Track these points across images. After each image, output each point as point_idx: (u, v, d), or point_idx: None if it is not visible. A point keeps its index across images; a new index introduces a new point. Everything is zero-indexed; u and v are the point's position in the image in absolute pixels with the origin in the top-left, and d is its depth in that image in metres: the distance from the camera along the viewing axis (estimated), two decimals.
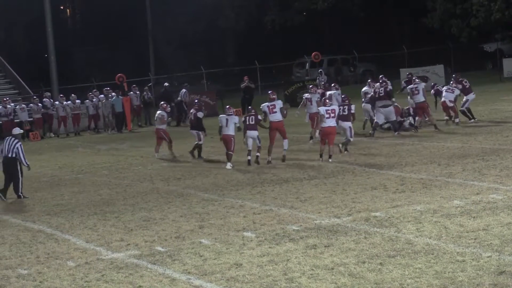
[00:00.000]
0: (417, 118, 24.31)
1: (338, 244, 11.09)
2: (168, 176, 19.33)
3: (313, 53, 40.92)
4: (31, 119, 35.12)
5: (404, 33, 58.29)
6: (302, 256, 10.60)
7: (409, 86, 24.73)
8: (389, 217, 12.47)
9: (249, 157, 19.84)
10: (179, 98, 35.29)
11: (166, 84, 38.12)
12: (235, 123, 20.02)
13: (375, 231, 11.64)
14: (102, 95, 35.45)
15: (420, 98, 23.93)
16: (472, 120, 24.60)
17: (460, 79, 25.47)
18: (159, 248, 11.79)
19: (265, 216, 13.39)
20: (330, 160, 19.11)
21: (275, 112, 20.01)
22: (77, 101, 35.74)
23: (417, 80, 24.77)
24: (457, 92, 24.66)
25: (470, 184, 14.65)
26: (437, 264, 9.72)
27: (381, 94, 23.67)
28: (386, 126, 24.09)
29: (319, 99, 23.28)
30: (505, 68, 43.38)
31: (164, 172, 20.05)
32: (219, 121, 20.19)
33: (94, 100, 35.46)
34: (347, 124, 20.55)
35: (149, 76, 47.16)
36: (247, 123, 19.85)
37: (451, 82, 25.35)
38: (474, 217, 11.97)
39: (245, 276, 9.93)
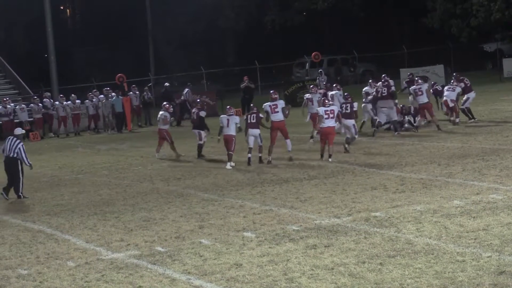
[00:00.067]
0: (417, 118, 24.31)
1: (338, 244, 11.09)
2: (168, 176, 19.32)
3: (313, 53, 40.90)
4: (31, 119, 35.13)
5: (404, 33, 58.24)
6: (302, 256, 10.60)
7: (412, 87, 24.65)
8: (389, 217, 12.47)
9: (249, 155, 19.83)
10: (182, 98, 35.30)
11: (166, 84, 38.12)
12: (236, 123, 20.02)
13: (375, 231, 11.64)
14: (102, 95, 35.41)
15: (424, 99, 23.89)
16: (472, 120, 24.57)
17: (461, 78, 25.46)
18: (159, 248, 11.79)
19: (265, 216, 13.39)
20: (330, 160, 19.13)
21: (277, 112, 20.03)
22: (77, 101, 35.71)
23: (420, 80, 24.70)
24: (458, 90, 24.62)
25: (470, 184, 14.65)
26: (437, 264, 9.73)
27: (383, 94, 23.65)
28: (386, 126, 24.09)
29: (320, 99, 23.27)
30: (505, 68, 43.35)
31: (164, 172, 20.05)
32: (220, 121, 20.19)
33: (94, 100, 35.42)
34: (351, 122, 20.69)
35: (149, 76, 47.18)
36: (249, 121, 19.85)
37: (452, 81, 25.33)
38: (474, 217, 11.97)
39: (245, 276, 9.93)
